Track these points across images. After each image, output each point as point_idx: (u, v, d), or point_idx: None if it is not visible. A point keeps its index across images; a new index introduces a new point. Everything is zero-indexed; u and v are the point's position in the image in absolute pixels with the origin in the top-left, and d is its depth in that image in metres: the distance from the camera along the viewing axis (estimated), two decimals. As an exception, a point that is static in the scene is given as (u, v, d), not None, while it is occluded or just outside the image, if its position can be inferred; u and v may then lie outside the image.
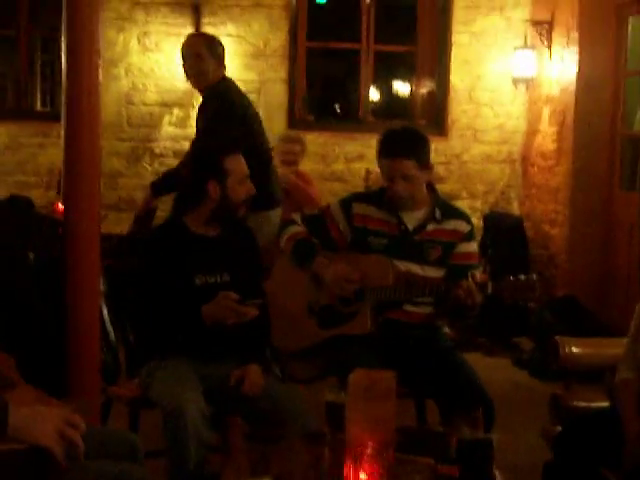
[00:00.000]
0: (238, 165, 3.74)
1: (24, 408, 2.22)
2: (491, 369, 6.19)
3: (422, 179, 3.92)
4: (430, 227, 3.97)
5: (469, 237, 4.03)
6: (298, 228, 4.12)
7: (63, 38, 3.61)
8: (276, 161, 6.19)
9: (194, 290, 3.65)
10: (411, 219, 3.98)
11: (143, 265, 3.74)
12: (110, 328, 3.91)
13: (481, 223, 7.97)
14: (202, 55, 5.45)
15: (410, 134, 3.99)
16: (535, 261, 7.90)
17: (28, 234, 4.23)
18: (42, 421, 2.19)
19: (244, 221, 3.95)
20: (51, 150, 7.73)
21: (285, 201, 6.09)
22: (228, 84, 5.61)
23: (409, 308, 3.94)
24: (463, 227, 4.01)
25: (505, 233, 7.83)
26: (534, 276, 3.71)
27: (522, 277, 3.66)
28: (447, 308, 3.83)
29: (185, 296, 3.61)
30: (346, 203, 4.10)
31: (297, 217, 4.20)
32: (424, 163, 3.90)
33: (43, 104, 10.47)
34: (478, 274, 3.72)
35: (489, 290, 3.68)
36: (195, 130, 5.62)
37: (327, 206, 4.20)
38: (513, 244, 7.80)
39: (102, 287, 3.85)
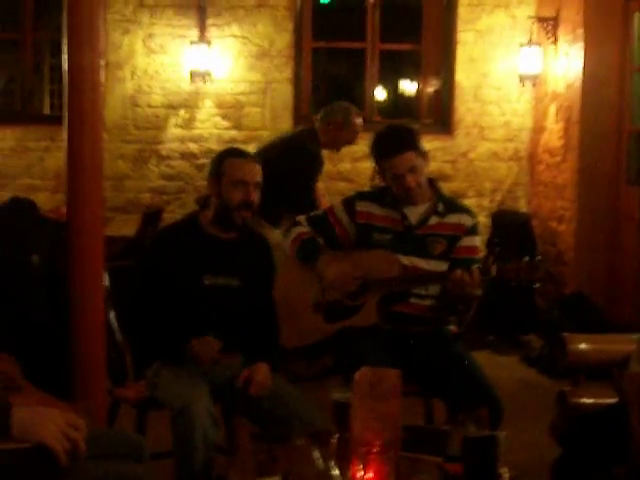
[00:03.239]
0: (234, 168, 3.71)
1: (27, 408, 2.23)
2: (499, 367, 6.19)
3: (424, 168, 3.98)
4: (433, 221, 4.00)
5: (473, 231, 4.05)
6: (303, 229, 4.15)
7: (64, 39, 3.62)
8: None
9: (201, 289, 3.65)
10: (414, 214, 4.02)
11: (151, 259, 3.74)
12: (116, 329, 3.91)
13: (489, 221, 7.96)
14: None
15: (400, 129, 4.10)
16: (543, 258, 7.87)
17: (31, 236, 4.22)
18: (45, 421, 2.19)
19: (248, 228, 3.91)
20: (57, 154, 7.70)
21: None
22: None
23: (415, 301, 3.96)
24: (467, 221, 4.03)
25: (513, 231, 7.81)
26: (538, 257, 3.73)
27: (526, 258, 3.68)
28: (446, 299, 3.86)
29: (191, 294, 3.62)
30: (349, 202, 4.14)
31: (302, 219, 4.22)
32: (422, 151, 3.98)
33: (52, 107, 10.49)
34: (477, 269, 3.74)
35: (494, 273, 3.69)
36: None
37: (330, 206, 4.24)
38: (521, 242, 7.77)
39: (107, 289, 3.85)
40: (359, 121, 6.33)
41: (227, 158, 3.75)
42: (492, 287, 3.81)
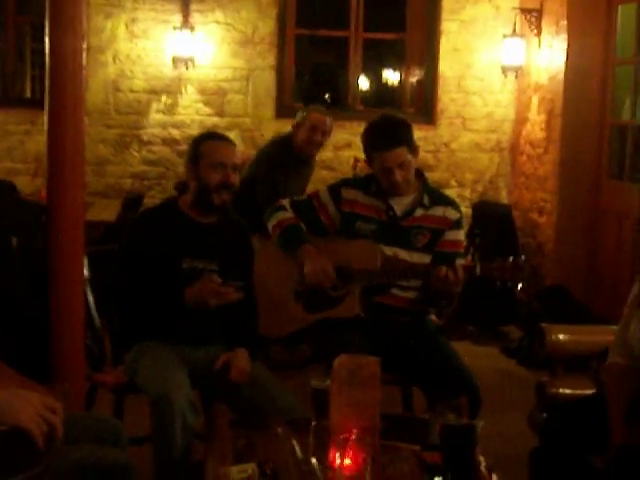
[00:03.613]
0: (212, 150, 3.71)
1: (4, 391, 2.22)
2: (479, 357, 6.20)
3: (413, 163, 3.95)
4: (418, 213, 3.99)
5: (457, 225, 4.04)
6: (286, 214, 4.12)
7: (46, 23, 3.59)
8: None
9: (180, 273, 3.64)
10: (399, 205, 4.00)
11: (131, 242, 3.73)
12: (95, 314, 3.90)
13: (470, 212, 7.97)
14: None
15: (396, 122, 4.01)
16: (523, 250, 7.90)
17: (10, 219, 4.20)
18: (22, 404, 2.19)
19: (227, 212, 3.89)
20: (38, 137, 7.69)
21: None
22: None
23: (397, 292, 3.95)
24: (452, 214, 4.02)
25: (494, 222, 7.82)
26: (522, 257, 3.75)
27: (510, 258, 3.69)
28: (428, 293, 3.85)
29: (169, 278, 3.61)
30: (335, 189, 4.11)
31: (286, 203, 4.19)
32: (413, 147, 3.94)
33: (33, 91, 10.45)
34: (461, 267, 3.74)
35: (478, 272, 3.70)
36: None
37: (316, 192, 4.19)
38: (502, 233, 7.78)
39: (86, 273, 3.84)
40: (318, 117, 5.83)
41: (204, 141, 3.76)
42: (474, 282, 3.82)
